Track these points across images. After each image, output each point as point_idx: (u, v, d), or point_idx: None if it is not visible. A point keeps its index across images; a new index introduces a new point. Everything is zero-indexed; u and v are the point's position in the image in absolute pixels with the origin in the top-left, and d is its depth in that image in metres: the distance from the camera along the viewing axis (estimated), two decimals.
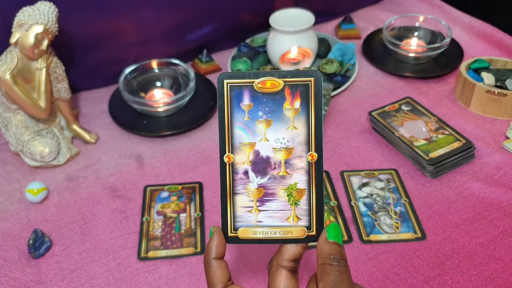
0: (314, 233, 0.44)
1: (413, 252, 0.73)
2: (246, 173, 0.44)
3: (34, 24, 0.79)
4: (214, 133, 0.95)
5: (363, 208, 0.80)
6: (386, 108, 0.95)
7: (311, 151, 0.43)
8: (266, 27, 1.11)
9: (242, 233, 0.44)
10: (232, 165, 0.44)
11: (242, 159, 0.44)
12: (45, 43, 0.82)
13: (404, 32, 1.14)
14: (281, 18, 1.07)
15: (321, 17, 1.23)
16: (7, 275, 0.72)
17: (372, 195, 0.82)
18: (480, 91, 0.94)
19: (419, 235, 0.75)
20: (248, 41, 1.16)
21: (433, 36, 1.12)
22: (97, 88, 1.09)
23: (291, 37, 1.05)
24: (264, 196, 0.44)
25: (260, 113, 0.43)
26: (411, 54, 1.07)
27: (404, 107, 0.95)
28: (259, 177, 0.44)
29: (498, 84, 0.96)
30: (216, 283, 0.42)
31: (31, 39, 0.80)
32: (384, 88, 1.05)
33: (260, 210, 0.44)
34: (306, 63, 1.08)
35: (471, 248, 0.72)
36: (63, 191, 0.85)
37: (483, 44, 1.14)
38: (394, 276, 0.69)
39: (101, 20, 0.99)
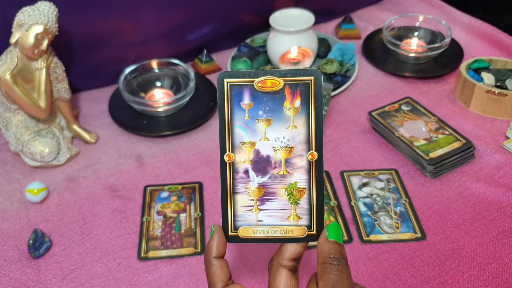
0: (314, 232, 0.44)
1: (413, 252, 0.72)
2: (246, 172, 0.44)
3: (34, 24, 0.79)
4: (214, 133, 0.95)
5: (363, 208, 0.80)
6: (386, 108, 0.95)
7: (312, 150, 0.43)
8: (266, 27, 1.11)
9: (242, 232, 0.44)
10: (233, 164, 0.44)
11: (242, 158, 0.44)
12: (45, 43, 0.82)
13: (404, 32, 1.14)
14: (281, 18, 1.07)
15: (321, 17, 1.23)
16: (7, 275, 0.72)
17: (372, 195, 0.82)
18: (480, 91, 0.94)
19: (419, 235, 0.75)
20: (248, 41, 1.16)
21: (433, 36, 1.12)
22: (97, 88, 1.09)
23: (291, 37, 1.05)
24: (264, 195, 0.44)
25: (260, 112, 0.43)
26: (411, 54, 1.07)
27: (404, 107, 0.95)
28: (259, 176, 0.44)
29: (498, 84, 0.96)
30: (216, 282, 0.42)
31: (31, 39, 0.80)
32: (384, 88, 1.05)
33: (261, 209, 0.44)
34: (306, 63, 1.08)
35: (471, 248, 0.72)
36: (63, 191, 0.85)
37: (483, 44, 1.14)
38: (394, 276, 0.69)
39: (101, 20, 0.99)
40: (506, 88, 0.95)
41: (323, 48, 1.12)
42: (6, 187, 0.86)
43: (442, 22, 1.10)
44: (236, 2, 1.12)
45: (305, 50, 1.07)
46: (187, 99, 0.97)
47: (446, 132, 0.88)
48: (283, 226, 0.44)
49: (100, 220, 0.80)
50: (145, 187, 0.85)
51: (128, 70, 1.00)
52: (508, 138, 0.90)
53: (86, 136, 0.94)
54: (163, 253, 0.74)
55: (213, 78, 1.07)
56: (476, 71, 1.00)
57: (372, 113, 0.94)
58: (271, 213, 0.44)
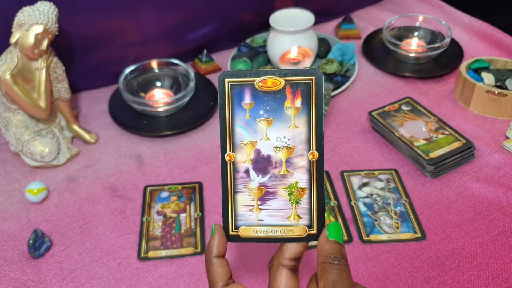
0: (315, 232, 0.44)
1: (413, 252, 0.72)
2: (247, 171, 0.44)
3: (34, 24, 0.79)
4: (214, 133, 0.95)
5: (363, 208, 0.80)
6: (386, 108, 0.95)
7: (312, 150, 0.43)
8: (266, 27, 1.11)
9: (243, 232, 0.44)
10: (233, 163, 0.44)
11: (243, 158, 0.44)
12: (45, 43, 0.82)
13: (404, 32, 1.14)
14: (281, 18, 1.07)
15: (321, 17, 1.23)
16: (7, 275, 0.72)
17: (372, 195, 0.82)
18: (480, 91, 0.94)
19: (419, 235, 0.75)
20: (248, 41, 1.16)
21: (433, 36, 1.12)
22: (97, 88, 1.09)
23: (291, 37, 1.05)
24: (265, 194, 0.44)
25: (261, 112, 0.43)
26: (411, 54, 1.07)
27: (404, 107, 0.95)
28: (260, 175, 0.44)
29: (498, 84, 0.96)
30: (217, 281, 0.42)
31: (31, 39, 0.80)
32: (384, 88, 1.05)
33: (261, 209, 0.44)
34: (306, 63, 1.08)
35: (471, 248, 0.72)
36: (63, 191, 0.85)
37: (483, 44, 1.14)
38: (394, 276, 0.69)
39: (101, 20, 0.99)
40: (506, 88, 0.95)
41: (323, 48, 1.12)
42: (6, 187, 0.86)
43: (442, 22, 1.10)
44: (236, 2, 1.12)
45: (305, 50, 1.07)
46: (187, 99, 0.97)
47: (446, 132, 0.88)
48: (284, 225, 0.44)
49: (100, 220, 0.80)
50: (145, 187, 0.85)
51: (128, 70, 1.00)
52: (508, 138, 0.90)
53: (86, 136, 0.94)
54: (163, 253, 0.74)
55: (213, 78, 1.07)
56: (476, 71, 1.00)
57: (372, 113, 0.94)
58: (271, 213, 0.44)
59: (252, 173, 0.44)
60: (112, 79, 1.05)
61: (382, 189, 0.83)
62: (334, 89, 1.00)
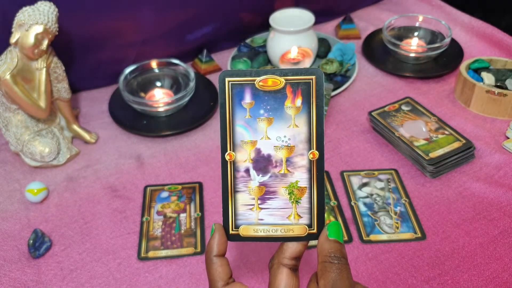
0: (315, 231, 0.44)
1: (413, 252, 0.72)
2: (247, 171, 0.44)
3: (34, 24, 0.79)
4: (214, 133, 0.95)
5: (363, 208, 0.80)
6: (386, 108, 0.95)
7: (313, 149, 0.43)
8: (266, 27, 1.11)
9: (243, 231, 0.44)
10: (234, 163, 0.44)
11: (243, 157, 0.44)
12: (45, 43, 0.82)
13: (404, 32, 1.14)
14: (281, 18, 1.07)
15: (321, 17, 1.23)
16: (7, 275, 0.72)
17: (372, 195, 0.82)
18: (480, 91, 0.94)
19: (419, 235, 0.75)
20: (248, 41, 1.16)
21: (433, 36, 1.12)
22: (97, 88, 1.09)
23: (291, 37, 1.05)
24: (265, 194, 0.44)
25: (262, 111, 0.43)
26: (411, 54, 1.07)
27: (404, 107, 0.95)
28: (260, 175, 0.44)
29: (498, 84, 0.96)
30: (217, 280, 0.42)
31: (31, 39, 0.80)
32: (384, 88, 1.05)
33: (261, 208, 0.44)
34: (306, 63, 1.08)
35: (471, 248, 0.72)
36: (63, 191, 0.85)
37: (483, 44, 1.14)
38: (394, 276, 0.69)
39: (101, 20, 0.99)
40: (506, 88, 0.95)
41: (323, 48, 1.12)
42: (6, 187, 0.86)
43: (442, 22, 1.10)
44: (236, 2, 1.12)
45: (305, 50, 1.07)
46: (187, 99, 0.97)
47: (446, 132, 0.88)
48: (284, 225, 0.44)
49: (100, 220, 0.80)
50: (145, 187, 0.85)
51: (128, 70, 1.00)
52: (508, 138, 0.90)
53: (86, 136, 0.94)
54: (163, 253, 0.74)
55: (213, 78, 1.07)
56: (476, 71, 1.00)
57: (372, 113, 0.94)
58: (271, 212, 0.44)
59: (253, 172, 0.44)
60: (112, 79, 1.05)
61: (382, 189, 0.83)
62: (334, 89, 1.00)
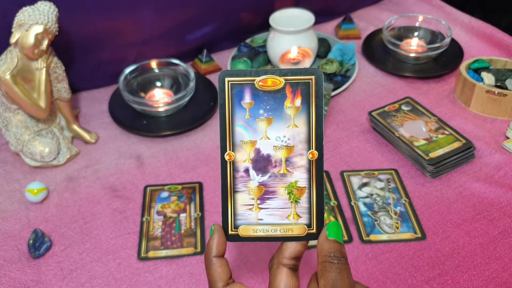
0: (314, 231, 0.44)
1: (413, 252, 0.72)
2: (247, 171, 0.44)
3: (34, 24, 0.79)
4: (214, 133, 0.95)
5: (363, 208, 0.80)
6: (386, 108, 0.95)
7: (312, 149, 0.43)
8: (266, 27, 1.11)
9: (242, 231, 0.44)
10: (233, 163, 0.44)
11: (243, 157, 0.44)
12: (45, 43, 0.82)
13: (404, 32, 1.14)
14: (281, 18, 1.07)
15: (321, 17, 1.23)
16: (7, 275, 0.72)
17: (372, 195, 0.82)
18: (480, 91, 0.94)
19: (419, 235, 0.75)
20: (248, 41, 1.16)
21: (433, 36, 1.12)
22: (97, 88, 1.09)
23: (291, 37, 1.05)
24: (264, 194, 0.44)
25: (261, 111, 0.43)
26: (411, 54, 1.07)
27: (404, 107, 0.95)
28: (259, 175, 0.44)
29: (498, 84, 0.96)
30: (217, 281, 0.42)
31: (31, 39, 0.80)
32: (384, 88, 1.05)
33: (261, 208, 0.44)
34: (306, 63, 1.08)
35: (471, 248, 0.72)
36: (63, 191, 0.85)
37: (483, 44, 1.14)
38: (394, 276, 0.69)
39: (101, 20, 0.99)
40: (506, 88, 0.95)
41: (323, 48, 1.12)
42: (6, 187, 0.86)
43: (442, 22, 1.10)
44: (236, 2, 1.12)
45: (305, 50, 1.07)
46: (187, 99, 0.97)
47: (446, 132, 0.88)
48: (283, 224, 0.44)
49: (100, 220, 0.80)
50: (145, 187, 0.85)
51: (128, 70, 1.00)
52: (508, 138, 0.90)
53: (86, 136, 0.94)
54: (163, 253, 0.74)
55: (213, 78, 1.07)
56: (476, 71, 1.00)
57: (372, 113, 0.94)
58: (271, 212, 0.44)
59: (252, 172, 0.44)
60: (112, 79, 1.05)
61: (382, 189, 0.83)
62: (334, 89, 1.00)
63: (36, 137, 0.88)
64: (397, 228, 0.76)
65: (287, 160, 0.43)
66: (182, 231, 0.77)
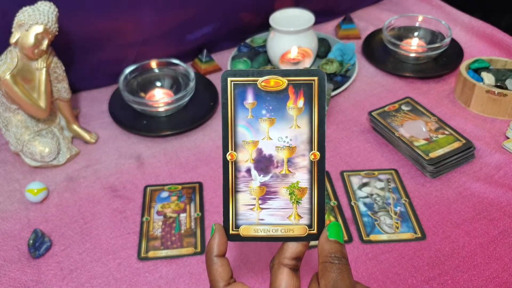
0: (315, 231, 0.44)
1: (413, 252, 0.73)
2: (248, 171, 0.44)
3: (34, 24, 0.79)
4: (214, 133, 0.95)
5: (363, 208, 0.80)
6: (386, 108, 0.95)
7: (314, 150, 0.43)
8: (266, 27, 1.11)
9: (243, 231, 0.44)
10: (235, 163, 0.44)
11: (245, 157, 0.44)
12: (45, 43, 0.82)
13: (404, 32, 1.14)
14: (281, 18, 1.07)
15: (321, 17, 1.23)
16: (7, 275, 0.72)
17: (372, 195, 0.82)
18: (480, 91, 0.94)
19: (419, 235, 0.75)
20: (248, 41, 1.16)
21: (433, 36, 1.12)
22: (97, 88, 1.09)
23: (291, 37, 1.05)
24: (266, 194, 0.44)
25: (264, 112, 0.43)
26: (411, 54, 1.07)
27: (404, 107, 0.95)
28: (261, 175, 0.44)
29: (498, 84, 0.96)
30: (218, 281, 0.42)
31: (31, 39, 0.80)
32: (384, 88, 1.05)
33: (262, 208, 0.44)
34: (306, 63, 1.08)
35: (471, 248, 0.72)
36: (63, 191, 0.85)
37: (483, 44, 1.15)
38: (394, 276, 0.69)
39: (101, 20, 0.99)
40: (506, 88, 0.95)
41: (323, 48, 1.12)
42: (6, 187, 0.86)
43: (442, 22, 1.10)
44: (236, 2, 1.12)
45: (305, 50, 1.07)
46: (187, 99, 0.97)
47: (446, 132, 0.88)
48: (284, 225, 0.44)
49: (100, 220, 0.80)
50: (145, 187, 0.85)
51: (128, 70, 1.00)
52: (508, 138, 0.90)
53: (86, 136, 0.94)
54: (163, 253, 0.74)
55: (213, 78, 1.07)
56: (476, 71, 1.00)
57: (372, 113, 0.94)
58: (272, 212, 0.44)
59: (254, 172, 0.44)
60: (112, 79, 1.05)
61: (382, 189, 0.83)
62: (334, 89, 1.00)
63: (36, 137, 0.88)
64: (397, 228, 0.76)
65: (289, 160, 0.43)
66: (182, 231, 0.77)
